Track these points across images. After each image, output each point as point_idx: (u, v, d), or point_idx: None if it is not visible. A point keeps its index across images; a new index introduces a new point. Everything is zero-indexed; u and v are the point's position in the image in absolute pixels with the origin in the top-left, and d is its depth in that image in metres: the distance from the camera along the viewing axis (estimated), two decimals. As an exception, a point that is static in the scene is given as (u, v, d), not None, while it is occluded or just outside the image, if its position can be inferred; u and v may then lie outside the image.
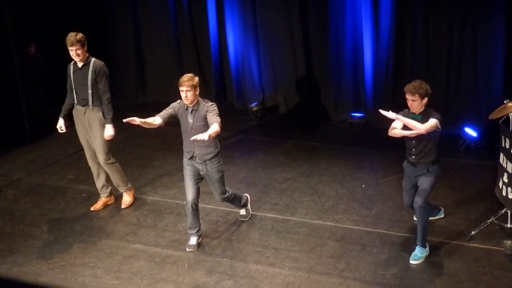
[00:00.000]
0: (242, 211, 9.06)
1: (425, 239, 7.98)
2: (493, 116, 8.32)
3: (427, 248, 8.03)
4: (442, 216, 8.81)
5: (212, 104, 8.06)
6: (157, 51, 14.22)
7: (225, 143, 11.42)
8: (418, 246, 7.99)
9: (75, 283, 7.80)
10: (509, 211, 8.38)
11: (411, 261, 7.93)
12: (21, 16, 12.08)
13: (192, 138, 7.69)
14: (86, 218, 9.33)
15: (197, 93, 8.01)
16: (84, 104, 9.08)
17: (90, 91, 8.99)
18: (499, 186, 8.52)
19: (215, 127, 7.80)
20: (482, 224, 8.43)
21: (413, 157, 7.86)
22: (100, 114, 9.10)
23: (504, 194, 8.35)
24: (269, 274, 7.83)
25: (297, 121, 12.87)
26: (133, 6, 14.00)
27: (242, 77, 13.58)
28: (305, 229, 8.82)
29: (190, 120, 8.08)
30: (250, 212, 9.10)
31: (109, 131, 9.09)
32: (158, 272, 7.96)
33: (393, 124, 7.83)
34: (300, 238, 8.61)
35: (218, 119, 7.93)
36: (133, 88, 14.47)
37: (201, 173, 8.26)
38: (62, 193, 10.09)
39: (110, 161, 9.34)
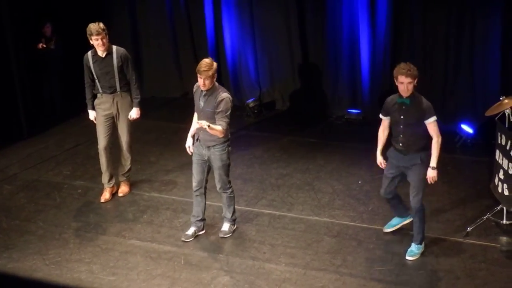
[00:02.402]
0: (225, 226, 8.68)
1: (421, 236, 7.98)
2: (489, 112, 8.34)
3: (423, 244, 8.03)
4: (411, 219, 8.33)
5: (224, 99, 7.92)
6: (154, 47, 14.20)
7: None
8: (414, 243, 7.99)
9: (71, 279, 7.79)
10: (504, 208, 8.40)
11: (407, 257, 7.93)
12: (19, 7, 12.09)
13: (197, 122, 7.88)
14: (82, 213, 9.33)
15: (214, 79, 8.00)
16: (112, 91, 9.25)
17: (117, 78, 9.17)
18: (495, 183, 8.53)
19: (218, 128, 7.85)
20: (478, 220, 8.44)
21: (401, 144, 7.72)
22: (129, 98, 9.37)
23: (500, 190, 8.36)
24: (266, 270, 7.83)
25: (294, 117, 12.87)
26: (130, 2, 13.98)
27: (239, 73, 13.58)
28: (301, 225, 8.83)
29: (201, 103, 8.06)
30: (232, 231, 8.68)
31: (134, 113, 9.35)
32: (154, 268, 7.95)
33: (383, 123, 7.89)
34: (297, 234, 8.61)
35: (224, 123, 7.90)
36: (129, 84, 14.46)
37: (205, 158, 8.23)
38: (58, 189, 10.08)
39: (130, 143, 9.60)
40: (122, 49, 9.25)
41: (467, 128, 11.16)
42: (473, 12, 11.39)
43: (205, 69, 7.85)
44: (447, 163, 10.40)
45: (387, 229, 8.39)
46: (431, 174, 7.61)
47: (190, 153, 8.41)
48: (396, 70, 7.55)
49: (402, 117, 7.64)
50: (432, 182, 7.67)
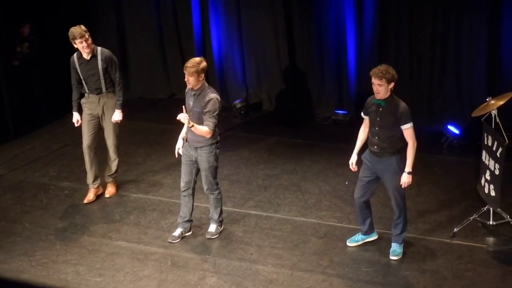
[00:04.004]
0: (212, 227, 8.65)
1: (404, 236, 7.99)
2: (475, 113, 8.36)
3: (403, 243, 8.05)
4: (376, 237, 8.36)
5: (212, 99, 7.92)
6: (140, 48, 14.17)
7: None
8: (394, 243, 8.00)
9: (57, 280, 7.76)
10: (491, 208, 8.42)
11: (391, 257, 7.94)
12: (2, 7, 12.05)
13: (178, 117, 7.87)
14: (68, 215, 9.30)
15: (201, 78, 7.95)
16: (98, 92, 9.23)
17: (102, 79, 9.15)
18: (481, 184, 8.55)
19: (203, 129, 7.90)
20: (465, 221, 8.46)
21: (376, 146, 7.66)
22: (115, 99, 9.34)
23: (486, 191, 8.38)
24: (253, 271, 7.83)
25: (281, 118, 12.87)
26: (116, 2, 13.95)
27: (226, 74, 13.56)
28: (288, 226, 8.82)
29: (190, 103, 8.07)
30: (219, 232, 8.66)
31: (117, 116, 9.32)
32: (141, 269, 7.94)
33: (364, 122, 7.89)
34: (284, 235, 8.61)
35: (211, 123, 7.91)
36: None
37: (193, 159, 8.23)
38: (45, 190, 10.04)
39: (117, 144, 9.56)
40: (106, 51, 9.21)
41: (453, 129, 11.18)
42: (459, 14, 11.43)
43: (189, 65, 7.87)
44: (433, 163, 10.45)
45: (350, 244, 8.25)
46: (406, 179, 7.58)
47: (177, 156, 8.41)
48: (372, 70, 7.50)
49: (378, 118, 7.61)
50: (406, 187, 7.65)
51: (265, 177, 10.28)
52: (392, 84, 7.43)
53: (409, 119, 7.48)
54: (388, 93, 7.48)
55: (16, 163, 11.04)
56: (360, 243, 8.27)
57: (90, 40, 8.98)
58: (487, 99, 8.28)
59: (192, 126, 7.84)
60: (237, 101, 13.11)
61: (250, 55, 13.28)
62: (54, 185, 10.21)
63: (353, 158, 8.00)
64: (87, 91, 9.27)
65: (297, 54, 12.92)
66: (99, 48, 9.16)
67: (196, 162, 8.24)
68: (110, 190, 9.76)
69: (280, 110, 13.20)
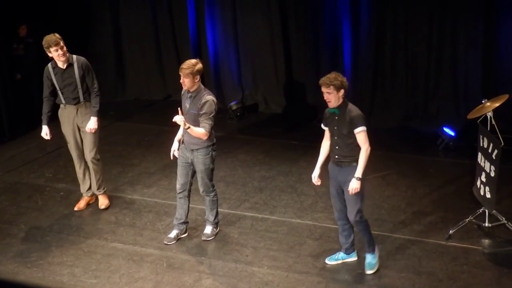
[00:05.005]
0: (208, 229, 8.62)
1: (372, 244, 7.75)
2: (471, 115, 8.36)
3: (376, 249, 7.80)
4: (356, 258, 7.97)
5: (208, 101, 7.91)
6: (136, 49, 14.19)
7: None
8: (368, 254, 7.77)
9: (53, 282, 7.75)
10: (487, 210, 8.42)
11: (367, 272, 7.71)
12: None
13: (174, 119, 7.82)
14: (64, 216, 9.28)
15: (197, 80, 7.92)
16: (76, 102, 8.99)
17: (80, 88, 8.93)
18: (477, 185, 8.56)
19: (199, 130, 7.88)
20: (460, 223, 8.46)
21: (336, 156, 7.56)
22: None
23: (482, 193, 8.38)
24: (248, 273, 7.82)
25: (277, 120, 12.88)
26: (113, 4, 13.94)
27: (222, 75, 13.58)
28: (284, 228, 8.82)
29: (187, 105, 8.06)
30: (215, 234, 8.63)
31: (92, 124, 9.01)
32: (136, 270, 7.93)
33: (325, 134, 7.73)
34: (279, 237, 8.60)
35: (207, 125, 7.89)
36: (112, 86, 14.41)
37: (189, 161, 8.23)
38: (40, 191, 10.03)
39: (98, 157, 9.25)
40: (82, 58, 8.97)
41: (449, 131, 11.19)
42: (455, 16, 11.45)
43: (185, 67, 7.86)
44: (429, 165, 10.46)
45: (329, 262, 7.99)
46: (354, 185, 7.36)
47: (172, 158, 8.39)
48: (320, 80, 7.37)
49: (335, 127, 7.50)
50: (353, 193, 7.39)
51: (260, 179, 10.27)
52: (342, 91, 7.31)
53: (361, 123, 7.35)
54: (340, 100, 7.36)
55: (11, 164, 11.04)
56: (339, 262, 7.98)
57: (65, 48, 8.75)
58: (483, 101, 8.28)
59: (188, 128, 7.85)
60: (232, 103, 13.12)
61: (246, 57, 13.30)
62: (50, 186, 10.20)
63: (316, 172, 7.87)
64: (63, 101, 9.02)
65: (293, 55, 12.94)
66: (74, 56, 8.94)
67: (192, 164, 8.24)
68: (103, 202, 9.49)
69: (276, 111, 13.22)
